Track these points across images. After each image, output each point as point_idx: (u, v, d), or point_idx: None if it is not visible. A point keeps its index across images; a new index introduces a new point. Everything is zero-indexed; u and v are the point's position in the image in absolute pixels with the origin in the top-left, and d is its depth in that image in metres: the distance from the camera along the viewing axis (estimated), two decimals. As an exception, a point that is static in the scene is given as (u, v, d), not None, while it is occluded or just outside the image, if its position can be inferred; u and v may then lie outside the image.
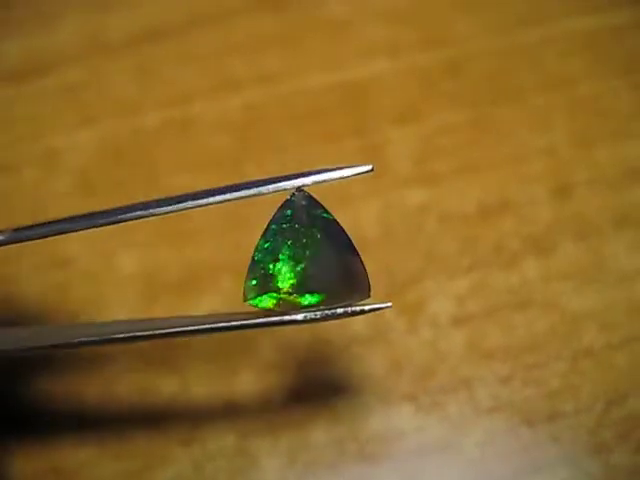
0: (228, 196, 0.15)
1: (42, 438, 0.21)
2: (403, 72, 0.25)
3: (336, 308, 0.15)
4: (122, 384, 0.21)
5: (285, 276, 0.15)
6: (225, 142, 0.24)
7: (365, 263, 0.22)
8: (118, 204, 0.23)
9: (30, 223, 0.23)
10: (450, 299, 0.22)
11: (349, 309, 0.15)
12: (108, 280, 0.23)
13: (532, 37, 0.26)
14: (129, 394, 0.21)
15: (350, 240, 0.16)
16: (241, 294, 0.15)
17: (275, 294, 0.15)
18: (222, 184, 0.15)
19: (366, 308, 0.15)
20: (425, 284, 0.22)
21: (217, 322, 0.15)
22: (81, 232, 0.23)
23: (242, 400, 0.21)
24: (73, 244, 0.23)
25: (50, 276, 0.23)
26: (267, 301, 0.15)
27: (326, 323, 0.21)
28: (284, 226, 0.15)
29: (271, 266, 0.15)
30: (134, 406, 0.21)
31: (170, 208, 0.15)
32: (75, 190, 0.24)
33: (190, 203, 0.15)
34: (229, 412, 0.21)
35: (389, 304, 0.15)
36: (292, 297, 0.15)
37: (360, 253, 0.22)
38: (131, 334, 0.15)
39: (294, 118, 0.25)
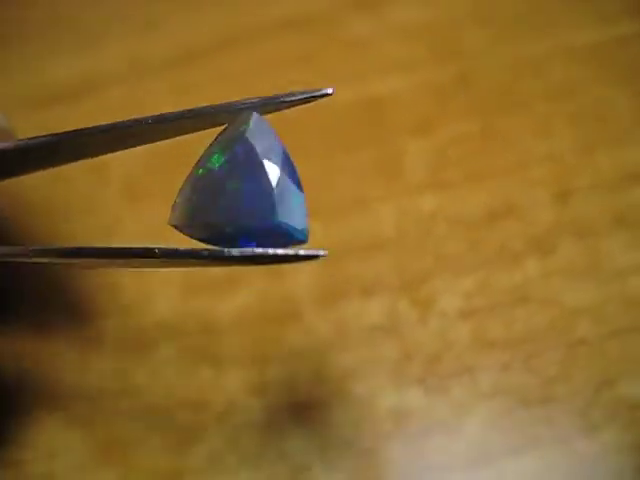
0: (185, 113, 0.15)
1: (98, 416, 0.23)
2: (418, 86, 0.27)
3: (269, 249, 0.13)
4: (167, 369, 0.23)
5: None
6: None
7: (381, 261, 0.24)
8: (159, 210, 0.26)
9: (84, 225, 0.25)
10: (457, 295, 0.23)
11: (271, 251, 0.13)
12: (153, 277, 0.24)
13: (538, 49, 0.27)
14: (172, 377, 0.23)
15: (294, 170, 0.14)
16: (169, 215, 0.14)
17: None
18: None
19: (301, 252, 0.13)
20: (435, 281, 0.24)
21: (151, 249, 0.14)
22: (131, 233, 0.25)
23: (270, 383, 0.23)
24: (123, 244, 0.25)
25: (102, 275, 0.25)
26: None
27: (344, 314, 0.23)
28: (231, 143, 0.14)
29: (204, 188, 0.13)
30: (177, 388, 0.23)
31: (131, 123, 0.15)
32: (122, 196, 0.26)
33: (149, 118, 0.16)
34: (258, 393, 0.22)
35: (325, 252, 0.14)
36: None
37: (378, 251, 0.24)
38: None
39: (314, 130, 0.26)
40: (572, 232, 0.24)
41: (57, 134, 0.17)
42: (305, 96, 0.15)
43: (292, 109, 0.27)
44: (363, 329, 0.23)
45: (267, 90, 0.28)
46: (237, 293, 0.24)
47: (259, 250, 0.13)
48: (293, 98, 0.15)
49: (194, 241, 0.15)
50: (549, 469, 0.21)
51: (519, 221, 0.24)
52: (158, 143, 0.27)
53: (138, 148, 0.26)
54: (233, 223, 0.14)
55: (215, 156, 0.14)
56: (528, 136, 0.25)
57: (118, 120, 0.16)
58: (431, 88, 0.27)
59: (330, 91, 0.15)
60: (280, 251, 0.13)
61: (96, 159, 0.26)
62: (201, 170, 0.14)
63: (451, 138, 0.26)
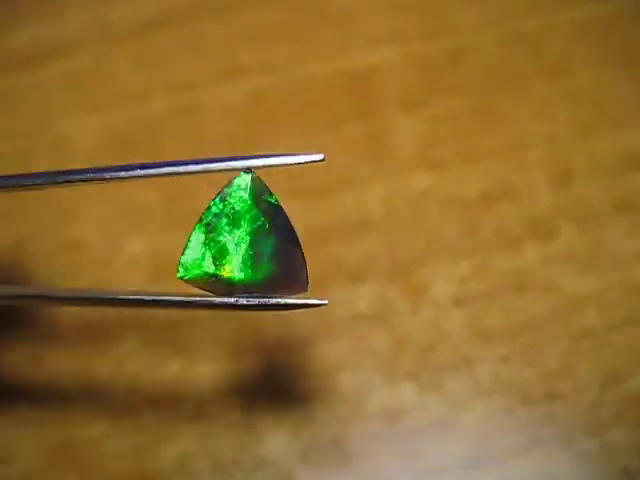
0: (174, 169, 0.15)
1: (54, 415, 0.21)
2: (407, 61, 0.25)
3: (269, 298, 0.15)
4: (131, 362, 0.22)
5: (226, 256, 0.14)
6: (231, 129, 0.25)
7: (369, 244, 0.23)
8: (129, 190, 0.24)
9: (40, 209, 0.24)
10: (451, 281, 0.22)
11: (282, 301, 0.15)
12: (117, 263, 0.23)
13: (533, 26, 0.26)
14: (137, 372, 0.22)
15: (293, 230, 0.15)
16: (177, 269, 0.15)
17: (211, 271, 0.14)
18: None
19: (300, 302, 0.15)
20: (427, 266, 0.22)
21: (146, 296, 0.15)
22: (91, 216, 0.23)
23: (247, 377, 0.21)
24: (84, 228, 0.23)
25: (61, 259, 0.23)
26: (201, 279, 0.14)
27: (330, 304, 0.22)
28: (229, 205, 0.15)
29: (212, 244, 0.14)
30: (142, 384, 0.21)
31: (121, 174, 0.15)
32: None
33: (139, 172, 0.15)
34: (234, 389, 0.21)
35: (325, 301, 0.15)
36: (226, 273, 0.14)
37: (366, 233, 0.23)
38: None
39: (300, 105, 0.25)
40: (572, 215, 0.23)
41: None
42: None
43: (275, 79, 0.27)
44: (350, 318, 0.22)
45: (243, 63, 0.27)
46: None
47: (272, 301, 0.15)
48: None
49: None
50: (552, 471, 0.20)
51: (516, 204, 0.23)
52: (123, 120, 0.27)
53: (99, 124, 0.26)
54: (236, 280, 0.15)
55: (224, 220, 0.15)
56: (524, 115, 0.25)
57: (100, 167, 0.16)
58: (420, 63, 0.26)
59: (320, 157, 0.15)
60: (291, 300, 0.15)
61: (58, 134, 0.26)
62: (208, 228, 0.15)
63: (442, 115, 0.25)
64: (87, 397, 0.21)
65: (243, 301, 0.15)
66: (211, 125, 0.25)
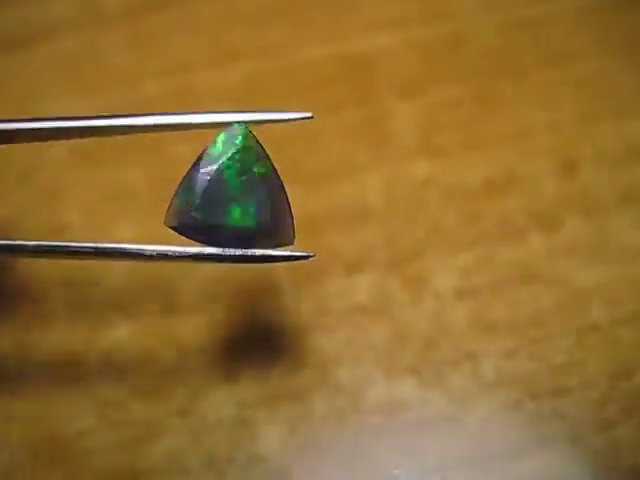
0: (161, 119, 0.16)
1: (40, 406, 0.21)
2: (406, 46, 0.25)
3: (255, 250, 0.15)
4: (121, 353, 0.21)
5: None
6: (225, 112, 0.24)
7: (367, 233, 0.22)
8: (116, 173, 0.24)
9: (23, 193, 0.23)
10: (454, 272, 0.22)
11: (268, 252, 0.15)
12: (103, 240, 0.22)
13: (536, 12, 0.25)
14: (128, 362, 0.21)
15: (282, 183, 0.16)
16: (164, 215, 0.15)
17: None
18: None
19: (286, 254, 0.15)
20: (428, 257, 0.22)
21: (138, 250, 0.16)
22: (79, 200, 0.23)
23: (241, 370, 0.21)
24: (71, 211, 0.23)
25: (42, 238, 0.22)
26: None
27: (326, 292, 0.21)
28: (219, 154, 0.15)
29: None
30: (132, 375, 0.21)
31: (106, 122, 0.16)
32: (71, 159, 0.24)
33: (123, 120, 0.16)
34: (228, 382, 0.21)
35: (311, 253, 0.16)
36: None
37: (364, 222, 0.22)
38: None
39: (296, 89, 0.24)
40: (577, 206, 0.23)
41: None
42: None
43: (271, 63, 0.26)
44: (348, 310, 0.21)
45: (239, 45, 0.26)
46: (205, 265, 0.22)
47: (259, 252, 0.15)
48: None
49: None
50: (558, 468, 0.20)
51: (520, 193, 0.23)
52: (113, 103, 0.26)
53: (87, 106, 0.25)
54: (231, 227, 0.15)
55: (214, 164, 0.15)
56: (526, 103, 0.24)
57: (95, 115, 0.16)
58: (421, 48, 0.25)
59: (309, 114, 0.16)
60: (277, 252, 0.16)
61: (42, 114, 0.25)
62: (200, 174, 0.16)
63: (443, 102, 0.24)
64: (74, 389, 0.21)
65: (231, 251, 0.15)
66: (205, 108, 0.24)
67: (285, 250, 0.16)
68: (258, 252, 0.15)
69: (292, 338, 0.21)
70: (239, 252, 0.15)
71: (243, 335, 0.21)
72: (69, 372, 0.21)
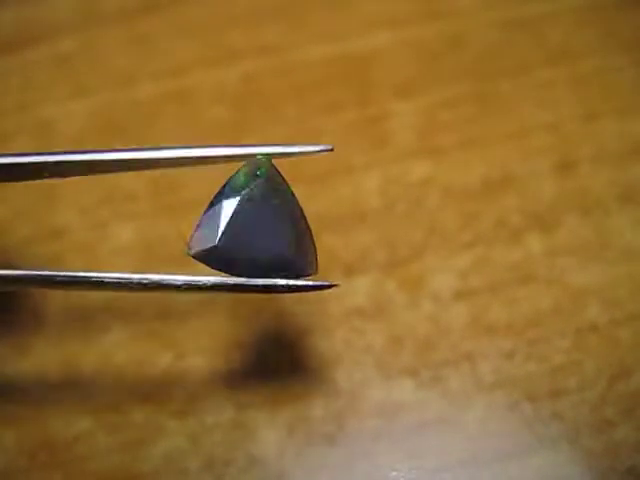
0: (186, 152, 0.15)
1: (36, 410, 0.20)
2: (405, 45, 0.25)
3: (278, 280, 0.15)
4: (118, 355, 0.21)
5: None
6: (223, 114, 0.24)
7: (365, 235, 0.22)
8: (113, 174, 0.23)
9: (21, 195, 0.23)
10: (452, 273, 0.21)
11: (292, 282, 0.15)
12: (103, 252, 0.22)
13: (536, 10, 0.25)
14: (125, 366, 0.21)
15: (304, 214, 0.16)
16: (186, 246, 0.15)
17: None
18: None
19: (310, 284, 0.15)
20: (426, 258, 0.22)
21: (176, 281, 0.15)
22: (76, 202, 0.23)
23: (240, 372, 0.21)
24: (67, 214, 0.23)
25: (44, 247, 0.22)
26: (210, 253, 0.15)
27: (323, 295, 0.21)
28: (242, 186, 0.15)
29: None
30: (130, 378, 0.21)
31: (122, 155, 0.15)
32: None
33: (143, 154, 0.15)
34: (226, 385, 0.21)
35: (337, 283, 0.15)
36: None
37: (362, 223, 0.22)
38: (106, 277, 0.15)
39: (294, 90, 0.24)
40: (576, 206, 0.22)
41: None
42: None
43: (268, 64, 0.26)
44: (346, 312, 0.21)
45: (235, 46, 0.26)
46: (202, 269, 0.21)
47: (282, 282, 0.15)
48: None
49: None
50: (557, 470, 0.19)
51: (518, 193, 0.23)
52: (110, 104, 0.26)
53: (84, 108, 0.25)
54: (254, 257, 0.15)
55: (237, 196, 0.15)
56: (526, 102, 0.24)
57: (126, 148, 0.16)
58: (419, 47, 0.25)
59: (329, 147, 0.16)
60: (301, 282, 0.15)
61: (43, 117, 0.25)
62: (223, 205, 0.15)
63: (441, 101, 0.24)
64: (71, 392, 0.21)
65: (256, 281, 0.15)
66: (202, 109, 0.24)
67: (309, 280, 0.15)
68: (282, 282, 0.15)
69: (290, 340, 0.21)
70: (264, 282, 0.15)
71: (241, 337, 0.21)
72: (66, 376, 0.21)
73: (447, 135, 0.23)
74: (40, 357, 0.21)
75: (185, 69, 0.25)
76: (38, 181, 0.23)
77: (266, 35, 0.25)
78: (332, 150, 0.16)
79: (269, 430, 0.20)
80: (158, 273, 0.15)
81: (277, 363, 0.21)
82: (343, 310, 0.21)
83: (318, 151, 0.16)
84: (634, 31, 0.25)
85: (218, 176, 0.22)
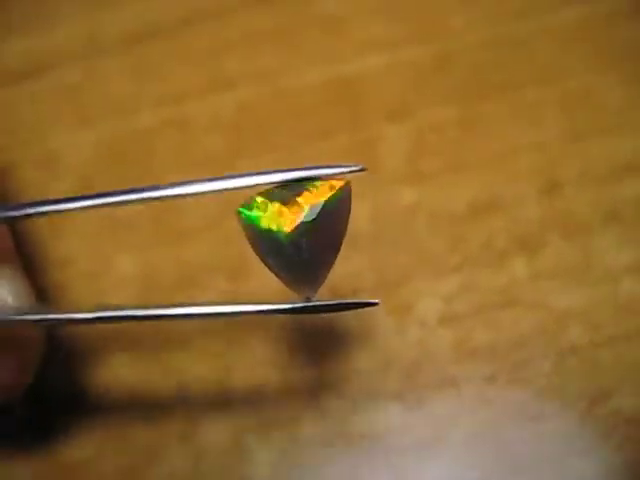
0: (216, 185, 0.15)
1: (41, 435, 0.21)
2: (396, 67, 0.25)
3: (321, 300, 0.15)
4: (121, 381, 0.21)
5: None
6: (219, 141, 0.24)
7: (353, 259, 0.22)
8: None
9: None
10: (438, 298, 0.22)
11: (338, 302, 0.15)
12: (106, 281, 0.23)
13: (523, 30, 0.25)
14: (128, 391, 0.21)
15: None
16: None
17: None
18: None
19: (352, 302, 0.16)
20: (414, 283, 0.22)
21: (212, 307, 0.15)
22: (80, 232, 0.23)
23: (236, 396, 0.21)
24: (72, 244, 0.23)
25: (49, 276, 0.23)
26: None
27: (315, 320, 0.21)
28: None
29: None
30: (133, 402, 0.21)
31: (158, 193, 0.15)
32: (75, 190, 0.24)
33: (169, 191, 0.15)
34: (224, 408, 0.21)
35: (377, 301, 0.16)
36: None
37: (351, 248, 0.22)
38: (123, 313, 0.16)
39: (288, 115, 0.24)
40: (561, 228, 0.22)
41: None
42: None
43: (262, 92, 0.26)
44: (334, 337, 0.22)
45: (230, 73, 0.26)
46: (199, 295, 0.22)
47: (336, 301, 0.16)
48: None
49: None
50: None
51: (505, 216, 0.23)
52: (113, 133, 0.26)
53: (89, 138, 0.25)
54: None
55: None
56: (513, 122, 0.24)
57: None
58: (408, 70, 0.25)
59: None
60: (344, 300, 0.16)
61: (49, 147, 0.25)
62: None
63: (430, 124, 0.24)
64: (75, 419, 0.21)
65: (286, 306, 0.15)
66: (200, 137, 0.25)
67: (351, 299, 0.16)
68: (319, 302, 0.15)
69: (281, 366, 0.21)
70: (323, 303, 0.15)
71: (236, 362, 0.22)
72: (70, 403, 0.21)
73: (435, 159, 0.23)
74: (42, 384, 0.21)
75: (183, 96, 0.25)
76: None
77: (261, 61, 0.25)
78: (364, 170, 0.16)
79: (263, 452, 0.20)
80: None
81: (270, 387, 0.21)
82: (332, 335, 0.21)
83: (349, 172, 0.16)
84: (624, 47, 0.25)
85: (215, 205, 0.23)
